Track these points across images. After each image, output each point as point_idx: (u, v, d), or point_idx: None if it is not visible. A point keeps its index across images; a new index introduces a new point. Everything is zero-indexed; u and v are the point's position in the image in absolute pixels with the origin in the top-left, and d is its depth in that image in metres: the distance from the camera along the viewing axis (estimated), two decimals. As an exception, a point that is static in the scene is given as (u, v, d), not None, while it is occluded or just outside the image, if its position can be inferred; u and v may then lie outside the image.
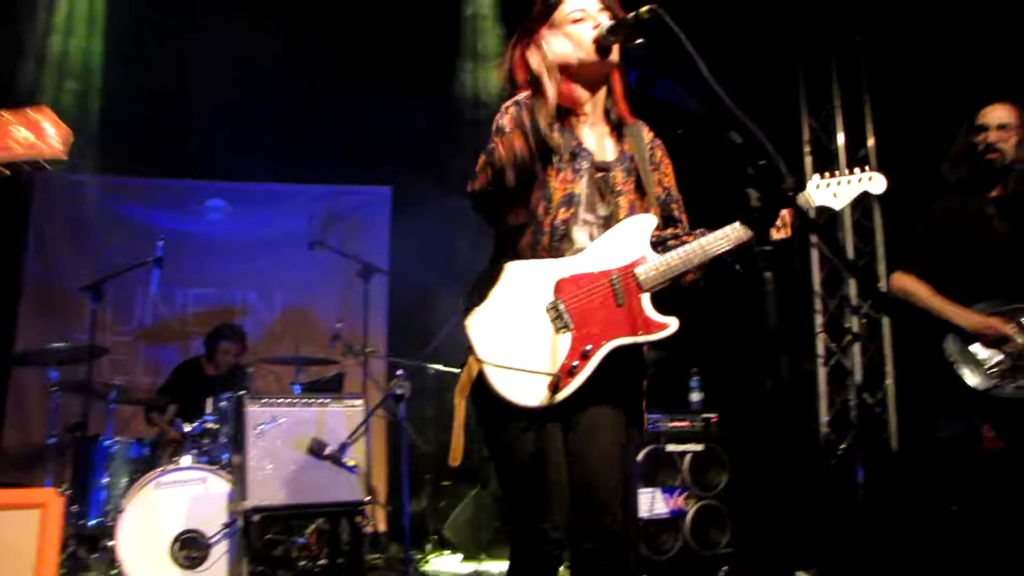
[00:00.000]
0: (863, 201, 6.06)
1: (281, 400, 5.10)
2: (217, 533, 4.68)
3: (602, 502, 2.40)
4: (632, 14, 2.35)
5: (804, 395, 5.99)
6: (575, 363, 2.34)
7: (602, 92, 2.61)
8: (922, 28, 5.82)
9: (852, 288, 5.91)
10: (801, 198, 2.49)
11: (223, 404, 5.22)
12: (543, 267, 2.43)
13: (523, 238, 2.48)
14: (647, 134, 2.67)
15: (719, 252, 2.45)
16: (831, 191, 2.53)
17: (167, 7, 6.73)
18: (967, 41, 5.56)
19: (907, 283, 3.73)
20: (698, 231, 2.56)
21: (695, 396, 5.55)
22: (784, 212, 2.45)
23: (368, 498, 5.15)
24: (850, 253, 6.00)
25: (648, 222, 2.50)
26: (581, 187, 2.50)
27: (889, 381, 5.82)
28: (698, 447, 5.24)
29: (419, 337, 6.21)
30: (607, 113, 2.62)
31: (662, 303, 2.47)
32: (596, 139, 2.59)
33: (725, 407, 5.45)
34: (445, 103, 7.40)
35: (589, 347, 2.36)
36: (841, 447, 5.88)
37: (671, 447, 5.18)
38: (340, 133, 7.49)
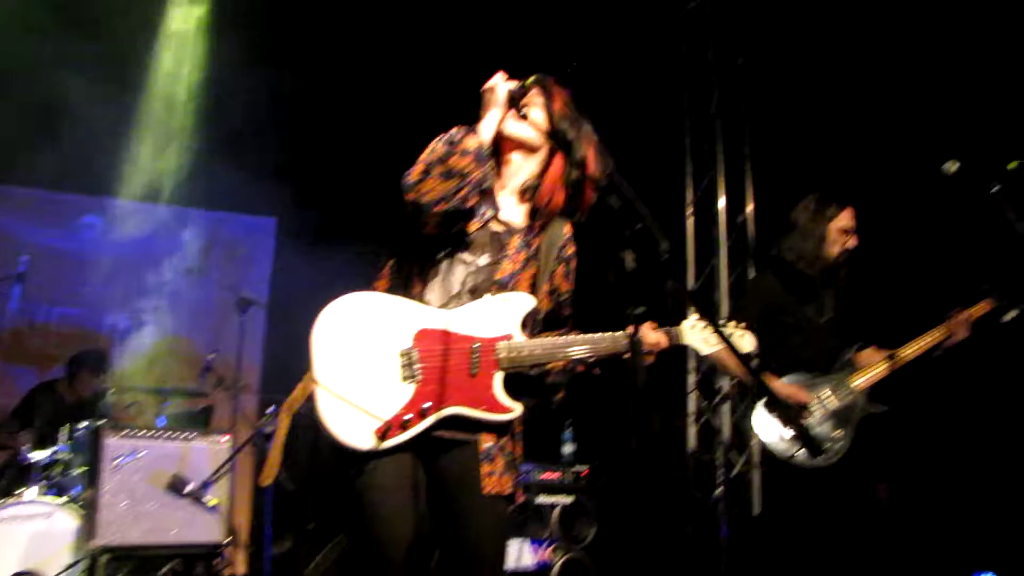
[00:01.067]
0: (740, 265, 6.30)
1: (143, 432, 4.89)
2: (58, 574, 4.40)
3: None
4: (520, 85, 2.46)
5: (673, 452, 6.10)
6: (409, 416, 2.30)
7: (531, 166, 2.64)
8: (803, 104, 6.13)
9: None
10: (674, 330, 2.55)
11: (79, 433, 4.96)
12: (411, 309, 2.40)
13: (408, 253, 2.49)
14: (567, 229, 2.69)
15: (581, 356, 2.48)
16: (702, 336, 2.61)
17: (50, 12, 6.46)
18: (842, 119, 5.88)
19: (721, 351, 3.94)
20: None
21: (567, 448, 5.59)
22: (655, 340, 2.49)
23: (228, 540, 4.97)
24: (724, 314, 6.19)
25: (526, 303, 2.50)
26: (473, 228, 2.52)
27: (755, 441, 5.99)
28: (567, 499, 5.26)
29: (294, 374, 6.06)
30: (532, 189, 2.64)
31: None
32: (512, 202, 2.64)
33: (596, 460, 5.50)
34: (334, 138, 7.34)
35: (428, 405, 2.31)
36: (707, 504, 6.00)
37: (541, 499, 5.19)
38: (228, 158, 7.32)
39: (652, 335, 2.49)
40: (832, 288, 4.04)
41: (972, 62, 5.33)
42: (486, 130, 2.50)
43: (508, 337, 2.45)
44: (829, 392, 3.83)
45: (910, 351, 3.91)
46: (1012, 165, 3.76)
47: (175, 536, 4.75)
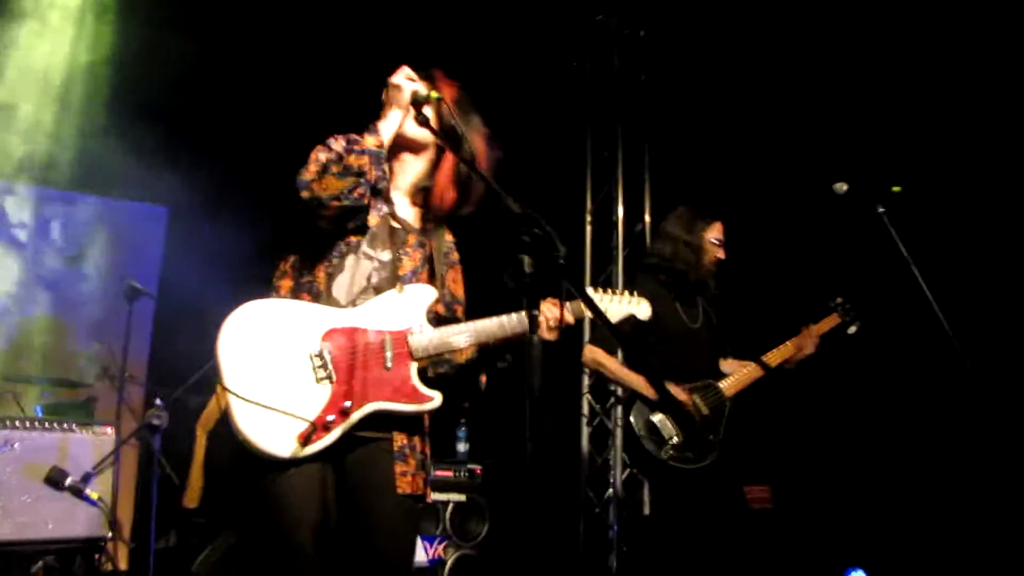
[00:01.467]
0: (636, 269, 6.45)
1: (17, 422, 4.67)
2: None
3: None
4: (425, 93, 2.53)
5: (567, 453, 6.20)
6: (331, 417, 2.27)
7: (421, 164, 2.68)
8: (701, 118, 6.34)
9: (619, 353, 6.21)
10: (575, 306, 2.58)
11: (-54, 422, 4.71)
12: (316, 311, 2.38)
13: (309, 249, 2.47)
14: (449, 236, 2.75)
15: (492, 338, 2.51)
16: (603, 306, 2.67)
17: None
18: (737, 135, 6.11)
19: (599, 355, 4.11)
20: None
21: (461, 447, 5.62)
22: (555, 315, 2.51)
23: (110, 534, 4.79)
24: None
25: (429, 294, 2.53)
26: (372, 222, 2.53)
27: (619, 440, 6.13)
28: (460, 497, 5.30)
29: (183, 366, 5.90)
30: (423, 190, 2.68)
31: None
32: (405, 203, 2.67)
33: (490, 459, 5.55)
34: (233, 131, 7.19)
35: (348, 404, 2.29)
36: (598, 505, 6.12)
37: (434, 495, 5.19)
38: (118, 142, 7.06)
39: (555, 309, 2.51)
40: (703, 296, 4.24)
41: (864, 83, 5.62)
42: (386, 130, 2.52)
43: (418, 329, 2.46)
44: (700, 397, 3.97)
45: (771, 359, 4.13)
46: (896, 188, 4.00)
47: (51, 531, 4.55)
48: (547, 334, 2.50)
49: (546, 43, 6.89)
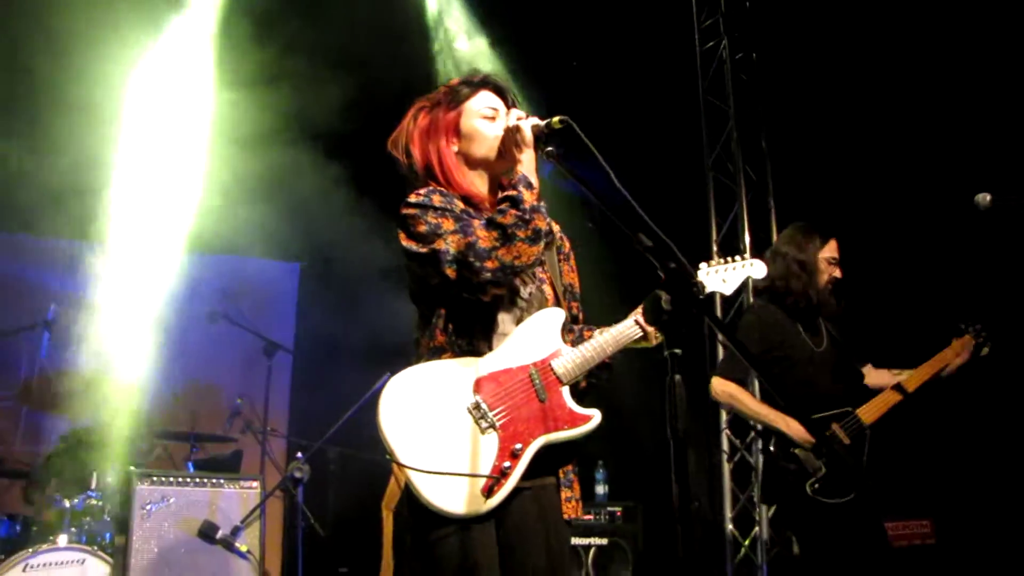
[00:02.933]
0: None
1: (172, 479, 4.87)
2: (92, 621, 4.38)
3: None
4: (545, 122, 2.43)
5: (710, 491, 6.02)
6: (507, 464, 2.26)
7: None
8: (823, 141, 6.15)
9: (756, 384, 6.02)
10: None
11: (109, 480, 4.95)
12: (459, 366, 2.37)
13: (461, 319, 2.42)
14: (555, 227, 2.68)
15: (627, 342, 2.48)
16: (720, 277, 2.63)
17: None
18: (862, 151, 5.90)
19: (731, 389, 3.93)
20: (596, 329, 2.59)
21: (600, 488, 5.53)
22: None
23: (260, 585, 4.91)
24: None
25: (558, 315, 2.50)
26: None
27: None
28: (602, 541, 5.20)
29: (321, 418, 6.05)
30: None
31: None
32: None
33: (630, 500, 5.43)
34: (359, 182, 7.39)
35: (519, 446, 2.28)
36: (745, 543, 5.90)
37: (575, 540, 5.12)
38: (251, 203, 7.38)
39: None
40: (824, 317, 4.05)
41: (1005, 86, 5.34)
42: (534, 177, 2.44)
43: (558, 353, 2.44)
44: (838, 427, 3.78)
45: (910, 383, 3.89)
46: None
47: (206, 583, 4.71)
48: (651, 341, 2.49)
49: (660, 74, 6.87)
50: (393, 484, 2.30)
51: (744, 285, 2.79)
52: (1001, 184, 3.74)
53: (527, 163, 2.46)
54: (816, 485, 3.67)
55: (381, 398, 2.29)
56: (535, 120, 2.50)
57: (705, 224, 6.62)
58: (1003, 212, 3.72)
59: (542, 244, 2.35)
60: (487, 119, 2.56)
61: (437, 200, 2.44)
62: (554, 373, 2.41)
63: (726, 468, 6.07)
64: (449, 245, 2.33)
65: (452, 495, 2.21)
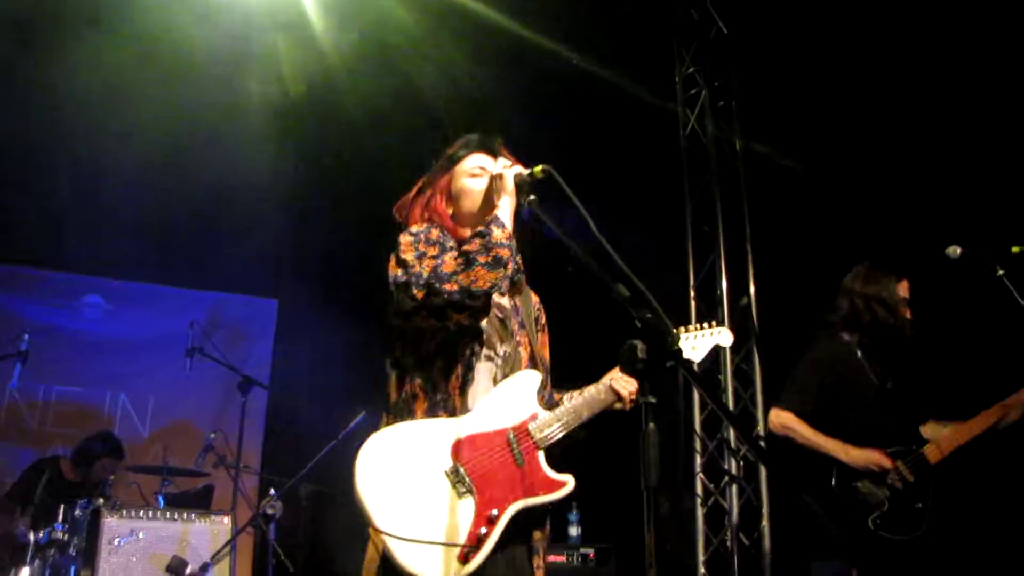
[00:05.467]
0: (745, 345, 6.32)
1: (142, 512, 4.81)
2: (53, 657, 4.29)
3: None
4: (528, 171, 2.48)
5: (682, 534, 6.01)
6: (483, 529, 2.27)
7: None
8: (800, 188, 6.25)
9: (731, 431, 6.05)
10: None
11: (77, 513, 4.88)
12: (436, 428, 2.37)
13: (434, 366, 2.44)
14: (534, 298, 2.76)
15: (605, 405, 2.54)
16: (690, 344, 2.73)
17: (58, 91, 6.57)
18: (841, 203, 5.99)
19: (788, 420, 3.84)
20: (565, 393, 2.65)
21: (573, 530, 5.50)
22: (631, 390, 2.55)
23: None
24: (730, 397, 6.17)
25: (535, 378, 2.53)
26: (482, 324, 2.51)
27: (765, 523, 5.90)
28: (575, 583, 5.16)
29: (296, 455, 6.01)
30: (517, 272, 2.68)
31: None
32: None
33: (603, 542, 5.41)
34: (338, 220, 7.44)
35: (495, 512, 2.29)
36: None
37: (548, 582, 5.09)
38: (229, 240, 7.39)
39: (630, 383, 2.56)
40: (889, 354, 3.97)
41: (972, 145, 5.45)
42: (507, 220, 2.47)
43: (534, 416, 2.46)
44: (902, 463, 3.69)
45: (974, 428, 3.78)
46: (1016, 249, 3.83)
47: (173, 620, 4.63)
48: (627, 405, 2.55)
49: (640, 118, 6.97)
50: (371, 549, 2.29)
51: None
52: (983, 231, 3.82)
53: (504, 207, 2.50)
54: (879, 520, 3.59)
55: (357, 460, 2.27)
56: (519, 169, 2.54)
57: (683, 269, 6.68)
58: (973, 262, 3.80)
59: (501, 272, 2.37)
60: (474, 176, 2.62)
61: (434, 234, 2.50)
62: (531, 438, 2.43)
63: (699, 512, 6.06)
64: (423, 270, 2.37)
65: (429, 562, 2.21)
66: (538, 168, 2.48)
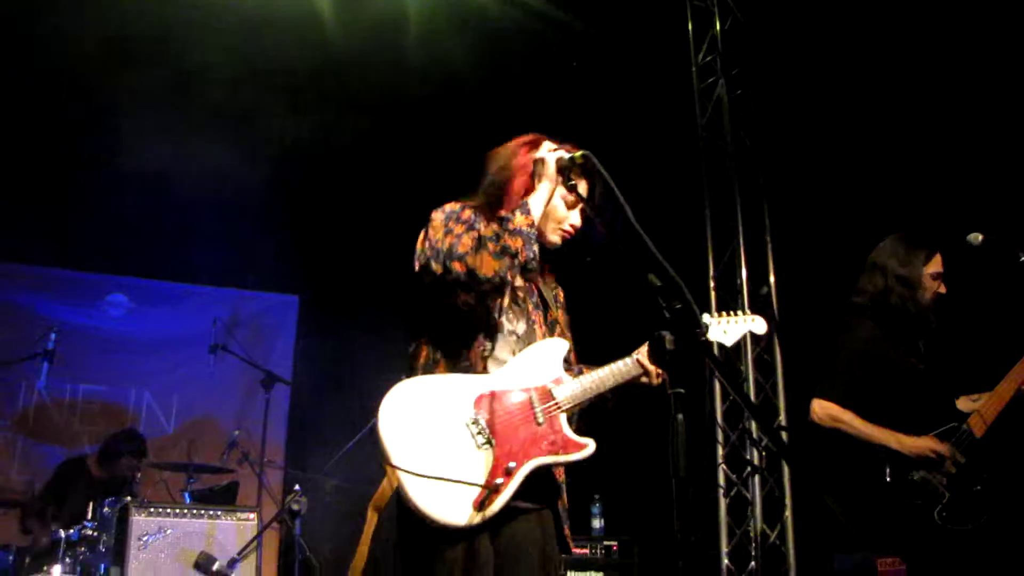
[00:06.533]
0: (765, 335, 6.29)
1: (169, 510, 4.87)
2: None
3: None
4: (569, 157, 2.49)
5: (706, 525, 6.01)
6: (499, 480, 2.29)
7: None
8: (819, 176, 6.21)
9: (753, 421, 6.04)
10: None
11: (106, 510, 4.94)
12: (461, 381, 2.42)
13: (456, 339, 2.49)
14: (551, 278, 2.79)
15: (626, 379, 2.54)
16: (721, 328, 2.73)
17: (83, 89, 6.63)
18: (859, 190, 5.95)
19: (834, 411, 3.63)
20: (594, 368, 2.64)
21: (596, 523, 5.52)
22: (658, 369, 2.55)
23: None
24: (751, 387, 6.16)
25: (562, 346, 2.57)
26: (502, 303, 2.55)
27: (788, 513, 5.90)
28: (598, 575, 5.18)
29: (319, 450, 6.06)
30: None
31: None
32: None
33: (626, 534, 5.42)
34: (359, 214, 7.46)
35: (513, 464, 2.32)
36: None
37: (571, 574, 5.10)
38: (249, 237, 7.44)
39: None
40: (923, 334, 3.80)
41: (994, 133, 5.39)
42: (536, 206, 2.51)
43: (559, 380, 2.50)
44: (951, 445, 3.52)
45: (1006, 390, 3.61)
46: None
47: (202, 615, 4.68)
48: (653, 380, 2.57)
49: (659, 111, 6.95)
50: (385, 485, 2.33)
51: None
52: (999, 218, 3.76)
53: (541, 192, 2.53)
54: (944, 512, 3.42)
55: (383, 402, 2.33)
56: (561, 153, 2.56)
57: (703, 259, 6.66)
58: (995, 249, 3.74)
59: (507, 262, 2.38)
60: (566, 202, 2.64)
61: (466, 214, 2.51)
62: (554, 399, 2.46)
63: (722, 503, 6.06)
64: (444, 245, 2.40)
65: (443, 504, 2.23)
66: (578, 154, 2.50)
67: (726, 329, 2.73)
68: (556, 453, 2.40)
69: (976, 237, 3.74)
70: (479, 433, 2.34)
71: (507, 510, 2.32)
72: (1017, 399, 3.64)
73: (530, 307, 2.64)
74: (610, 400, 2.63)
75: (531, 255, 2.44)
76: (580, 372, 2.63)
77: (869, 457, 3.57)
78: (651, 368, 2.54)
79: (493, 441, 2.34)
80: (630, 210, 2.25)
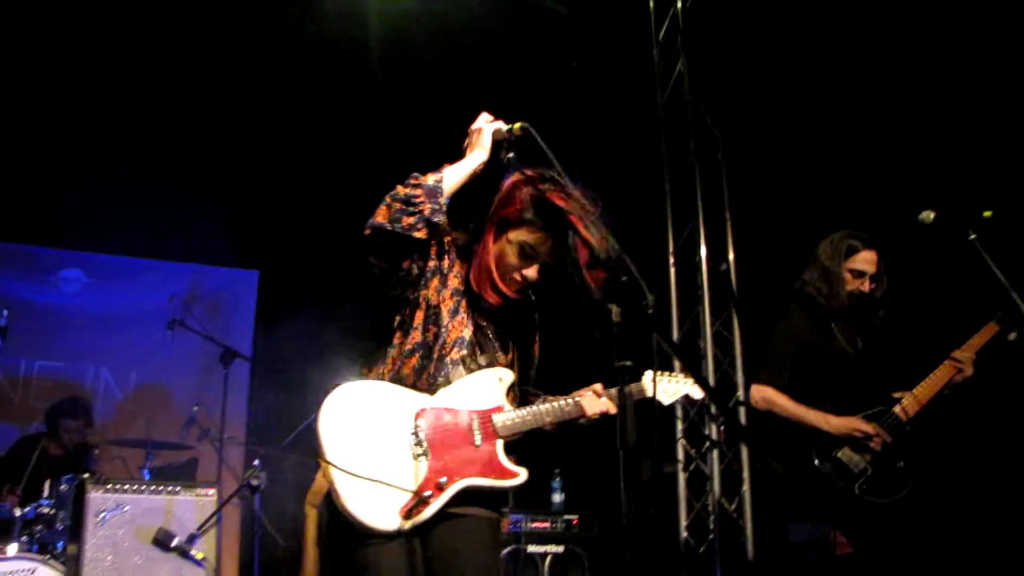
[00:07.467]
0: (723, 313, 6.36)
1: (127, 486, 4.83)
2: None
3: None
4: (507, 128, 2.49)
5: (664, 499, 6.09)
6: (428, 492, 2.33)
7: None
8: (779, 153, 6.27)
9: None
10: (635, 386, 2.66)
11: (63, 487, 4.89)
12: (407, 392, 2.45)
13: (411, 359, 2.50)
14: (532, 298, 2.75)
15: (570, 418, 2.60)
16: (661, 388, 2.78)
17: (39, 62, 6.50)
18: (818, 168, 6.02)
19: (767, 393, 3.90)
20: (541, 396, 2.72)
21: (556, 497, 5.57)
22: (597, 410, 2.61)
23: (215, 594, 4.88)
24: (710, 363, 6.23)
25: (507, 376, 2.59)
26: (468, 333, 2.56)
27: (746, 487, 5.99)
28: (558, 548, 5.24)
29: (280, 425, 6.04)
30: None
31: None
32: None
33: (586, 508, 5.48)
34: (318, 189, 7.41)
35: (444, 479, 2.35)
36: (700, 551, 5.98)
37: (532, 548, 5.16)
38: (209, 210, 7.35)
39: (597, 403, 2.61)
40: (858, 323, 4.00)
41: (947, 111, 5.48)
42: (455, 173, 2.49)
43: (499, 408, 2.53)
44: (879, 425, 3.75)
45: (934, 383, 3.84)
46: (987, 213, 3.88)
47: (161, 591, 4.67)
48: (588, 423, 2.62)
49: (619, 87, 6.96)
50: (321, 482, 2.34)
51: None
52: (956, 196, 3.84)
53: (467, 160, 2.53)
54: (864, 485, 3.66)
55: (326, 399, 2.35)
56: (499, 124, 2.56)
57: (663, 235, 6.70)
58: (946, 227, 3.83)
59: (396, 208, 2.37)
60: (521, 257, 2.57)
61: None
62: (493, 425, 2.49)
63: (681, 477, 6.14)
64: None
65: (371, 507, 2.27)
66: (517, 125, 2.51)
67: (666, 389, 2.78)
68: (488, 476, 2.43)
69: (928, 215, 3.83)
70: (417, 444, 2.36)
71: (437, 516, 2.35)
72: (946, 390, 3.85)
73: (491, 333, 2.63)
74: (551, 430, 2.64)
75: (434, 207, 2.39)
76: (525, 398, 2.69)
77: (799, 436, 3.80)
78: (588, 412, 2.59)
79: (429, 453, 2.37)
80: (571, 182, 2.27)
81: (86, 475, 4.82)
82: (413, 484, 2.32)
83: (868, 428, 3.72)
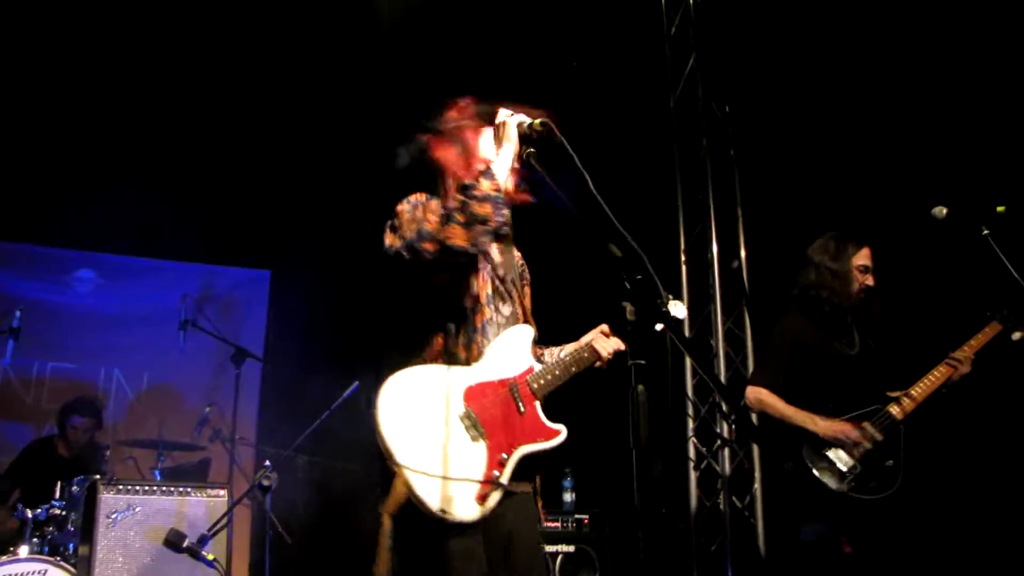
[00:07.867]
0: (735, 311, 6.33)
1: (138, 487, 4.84)
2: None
3: None
4: (528, 123, 2.47)
5: (676, 497, 6.06)
6: (496, 472, 2.36)
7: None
8: (791, 150, 6.22)
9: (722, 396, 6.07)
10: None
11: (74, 489, 4.90)
12: (449, 373, 2.44)
13: (451, 329, 2.51)
14: (516, 253, 2.82)
15: (588, 363, 2.67)
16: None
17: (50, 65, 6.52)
18: (831, 165, 5.97)
19: (762, 395, 3.96)
20: (547, 348, 2.78)
21: (567, 496, 5.55)
22: (610, 350, 2.68)
23: (226, 594, 4.88)
24: (722, 361, 6.19)
25: (529, 333, 2.62)
26: (488, 289, 2.57)
27: (757, 485, 5.96)
28: (570, 548, 5.22)
29: (291, 426, 6.03)
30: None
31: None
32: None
33: (597, 508, 5.46)
34: (330, 190, 7.40)
35: (504, 455, 2.39)
36: (712, 549, 5.94)
37: (543, 548, 5.14)
38: (222, 211, 7.36)
39: (609, 344, 2.71)
40: (859, 323, 4.06)
41: (961, 107, 5.42)
42: (500, 170, 2.49)
43: (531, 369, 2.56)
44: (870, 424, 3.79)
45: (931, 382, 3.89)
46: (1001, 209, 3.86)
47: (172, 592, 4.67)
48: (603, 364, 2.71)
49: (630, 83, 6.92)
50: (399, 487, 2.31)
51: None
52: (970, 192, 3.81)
53: (504, 156, 2.52)
54: (853, 483, 3.70)
55: (378, 400, 2.35)
56: (522, 117, 2.56)
57: (674, 232, 6.67)
58: (959, 222, 3.82)
59: (477, 229, 2.37)
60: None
61: (432, 205, 2.52)
62: (530, 387, 2.53)
63: (692, 476, 6.11)
64: (411, 231, 2.42)
65: (453, 501, 2.29)
66: (537, 120, 2.51)
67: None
68: (538, 440, 2.47)
69: (941, 211, 3.85)
70: (472, 427, 2.39)
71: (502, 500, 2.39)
72: (944, 390, 3.89)
73: (510, 285, 2.66)
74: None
75: (501, 219, 2.42)
76: (540, 355, 2.72)
77: (791, 436, 3.85)
78: (603, 353, 2.67)
79: (485, 433, 2.39)
80: (590, 179, 2.25)
81: (97, 476, 4.82)
82: (480, 468, 2.35)
83: (854, 435, 3.75)
